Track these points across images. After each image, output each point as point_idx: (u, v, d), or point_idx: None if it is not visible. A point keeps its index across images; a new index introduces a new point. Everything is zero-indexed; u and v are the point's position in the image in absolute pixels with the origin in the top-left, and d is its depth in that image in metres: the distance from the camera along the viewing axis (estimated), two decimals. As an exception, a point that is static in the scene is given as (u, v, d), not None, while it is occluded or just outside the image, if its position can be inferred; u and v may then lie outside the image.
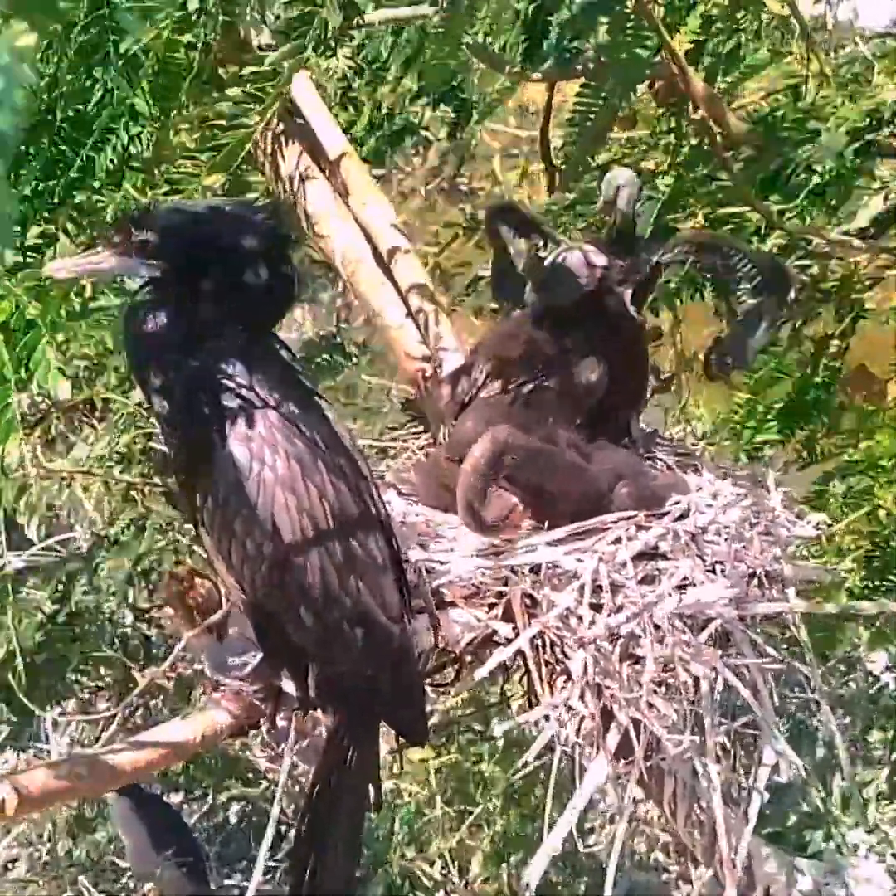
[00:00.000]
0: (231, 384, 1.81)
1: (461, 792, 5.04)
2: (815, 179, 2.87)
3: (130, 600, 4.76)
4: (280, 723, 1.97)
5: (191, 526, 1.88)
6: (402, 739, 2.03)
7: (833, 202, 2.78)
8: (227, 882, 5.54)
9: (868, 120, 2.94)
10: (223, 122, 2.13)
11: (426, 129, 3.77)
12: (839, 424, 3.18)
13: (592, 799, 2.56)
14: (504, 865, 5.13)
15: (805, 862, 3.07)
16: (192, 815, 5.48)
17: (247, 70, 2.17)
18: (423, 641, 2.16)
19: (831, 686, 4.44)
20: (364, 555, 1.84)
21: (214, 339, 1.84)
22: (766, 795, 2.75)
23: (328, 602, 1.82)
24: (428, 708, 1.97)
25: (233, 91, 2.13)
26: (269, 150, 2.91)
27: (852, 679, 4.37)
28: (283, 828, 5.48)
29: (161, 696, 5.05)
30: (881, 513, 2.91)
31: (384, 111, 3.53)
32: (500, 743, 4.68)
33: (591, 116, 2.87)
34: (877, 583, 2.89)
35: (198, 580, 4.64)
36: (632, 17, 2.73)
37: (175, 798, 5.44)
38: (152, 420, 3.56)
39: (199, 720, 1.77)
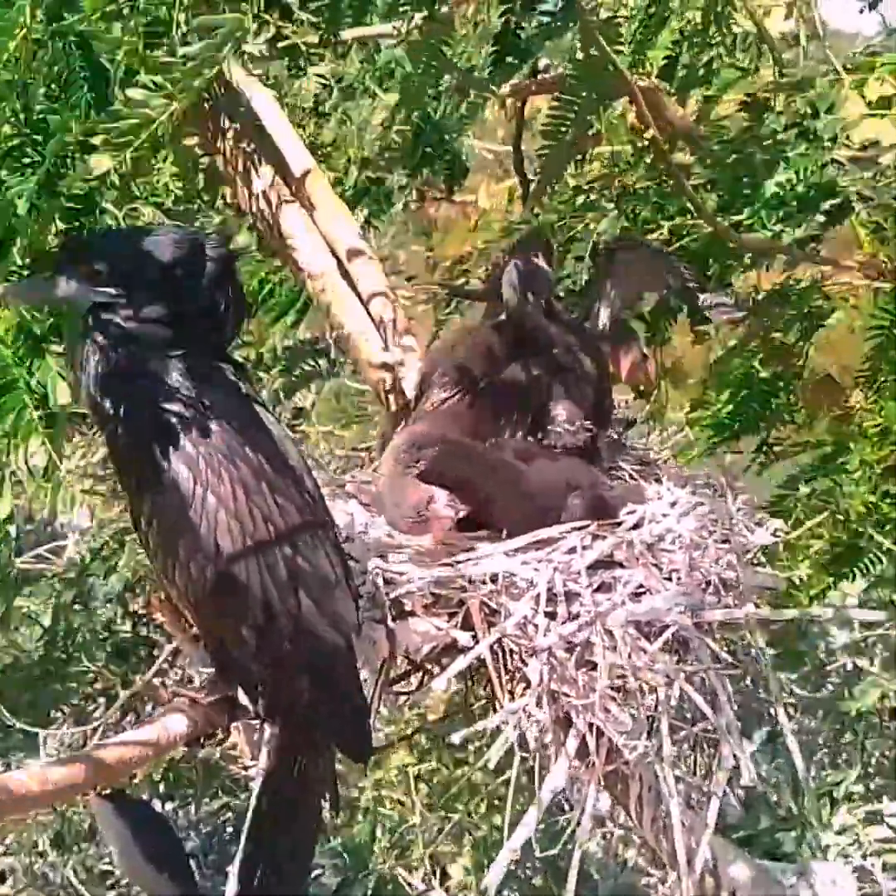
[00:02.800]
0: (176, 408, 1.85)
1: (442, 798, 5.07)
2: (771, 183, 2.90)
3: (127, 607, 4.80)
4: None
5: (140, 546, 1.91)
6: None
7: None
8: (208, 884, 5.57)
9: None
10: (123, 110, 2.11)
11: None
12: (801, 429, 3.21)
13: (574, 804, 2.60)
14: (485, 872, 5.14)
15: (772, 864, 3.11)
16: (180, 821, 5.50)
17: (164, 58, 2.16)
18: (380, 651, 2.20)
19: (806, 689, 4.49)
20: (312, 572, 1.87)
21: (162, 363, 1.87)
22: (730, 799, 2.80)
23: (269, 624, 1.85)
24: (371, 726, 1.99)
25: (143, 77, 2.12)
26: (240, 168, 2.96)
27: (823, 682, 4.42)
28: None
29: (152, 703, 5.09)
30: (851, 510, 2.93)
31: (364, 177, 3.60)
32: (476, 749, 4.70)
33: (563, 131, 2.91)
34: (836, 584, 2.92)
35: None
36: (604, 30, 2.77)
37: (168, 806, 5.47)
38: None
39: (155, 728, 1.81)
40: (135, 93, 2.09)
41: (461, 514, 2.37)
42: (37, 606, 4.91)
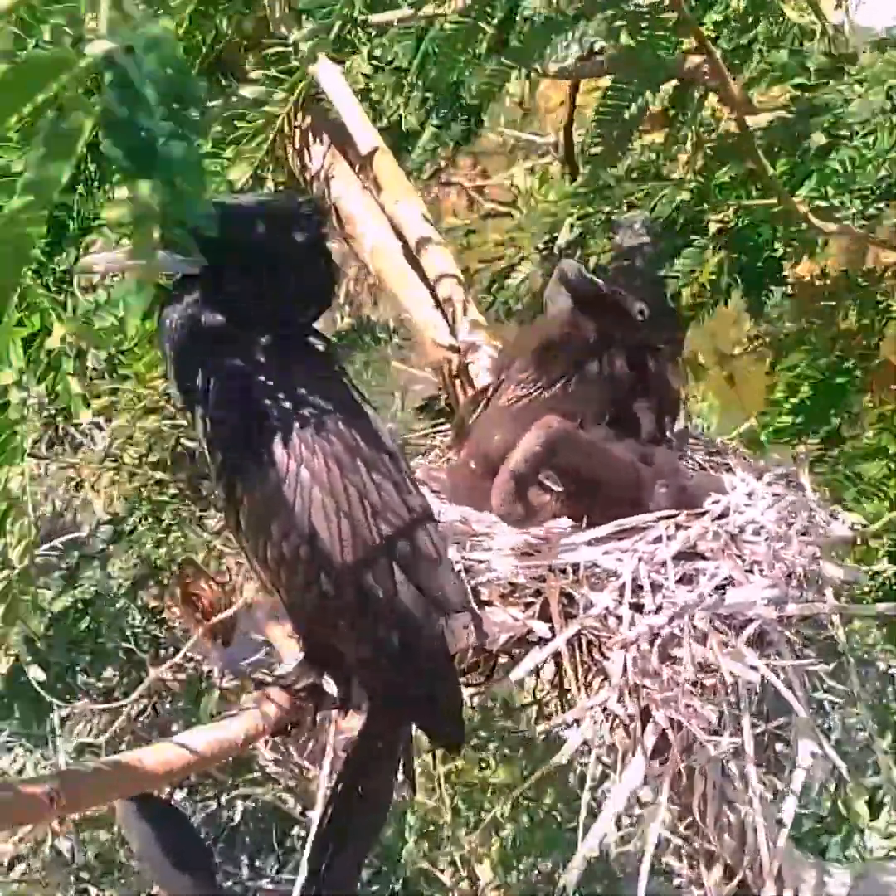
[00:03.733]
0: (268, 384, 1.78)
1: (469, 798, 5.02)
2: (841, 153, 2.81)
3: (139, 601, 4.76)
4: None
5: (228, 530, 1.85)
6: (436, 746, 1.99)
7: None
8: (234, 881, 5.53)
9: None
10: (244, 111, 2.06)
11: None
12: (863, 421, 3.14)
13: (601, 803, 2.54)
14: (514, 872, 5.10)
15: (834, 866, 3.04)
16: (197, 815, 5.46)
17: (270, 51, 2.11)
18: (460, 640, 2.14)
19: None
20: (411, 551, 1.81)
21: (252, 337, 1.81)
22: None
23: (365, 604, 1.79)
24: (464, 714, 1.93)
25: (256, 74, 2.07)
26: (296, 146, 2.89)
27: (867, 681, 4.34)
28: (283, 831, 5.49)
29: (169, 697, 5.05)
30: None
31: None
32: (506, 748, 4.66)
33: (618, 115, 2.84)
34: None
35: (204, 582, 4.65)
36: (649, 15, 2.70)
37: (178, 795, 5.43)
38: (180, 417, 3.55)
39: (243, 719, 1.74)
40: (250, 91, 2.02)
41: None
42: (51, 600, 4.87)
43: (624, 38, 2.73)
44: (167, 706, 5.13)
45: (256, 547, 1.79)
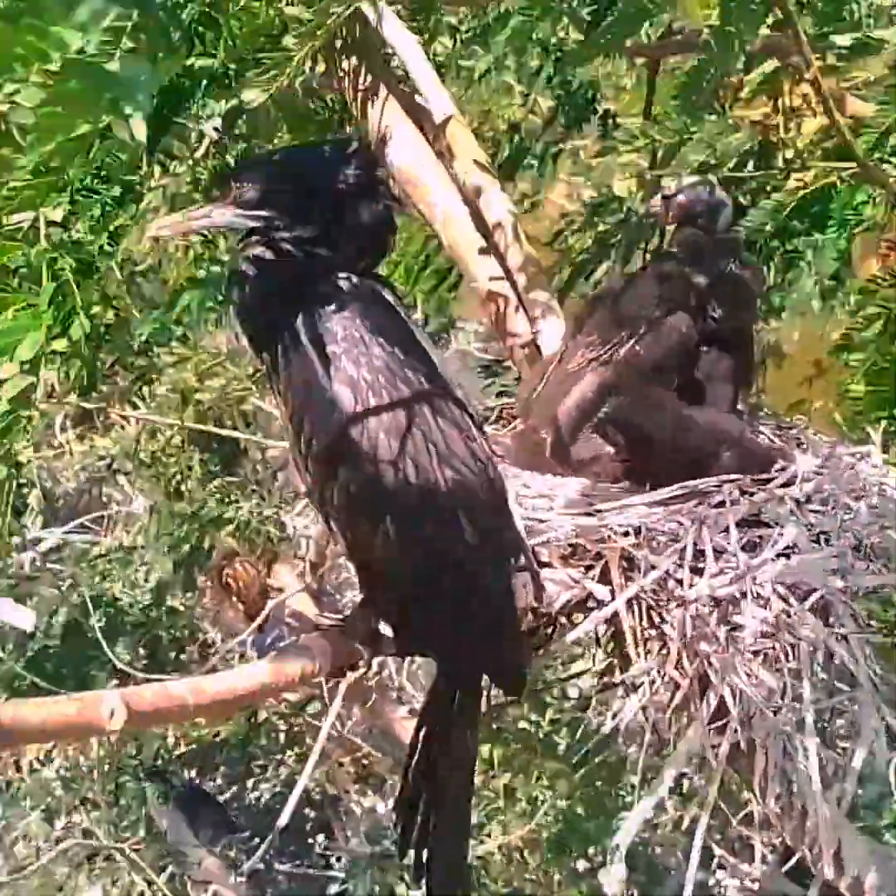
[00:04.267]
0: (336, 330, 1.81)
1: (521, 783, 5.02)
2: None
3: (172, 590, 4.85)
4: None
5: (296, 470, 1.89)
6: (498, 692, 2.00)
7: None
8: (277, 868, 5.57)
9: None
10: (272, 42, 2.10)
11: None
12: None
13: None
14: (567, 853, 5.09)
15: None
16: (224, 797, 5.52)
17: None
18: (522, 599, 2.14)
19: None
20: (476, 498, 1.83)
21: (317, 282, 1.85)
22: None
23: (428, 543, 1.81)
24: (526, 658, 1.94)
25: (291, 10, 2.11)
26: (369, 116, 2.92)
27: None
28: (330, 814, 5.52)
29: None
30: None
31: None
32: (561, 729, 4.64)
33: (699, 88, 2.82)
34: None
35: (239, 564, 4.73)
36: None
37: (209, 784, 5.50)
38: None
39: (300, 658, 1.77)
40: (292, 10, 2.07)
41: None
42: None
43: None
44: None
45: (324, 491, 1.83)
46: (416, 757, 1.90)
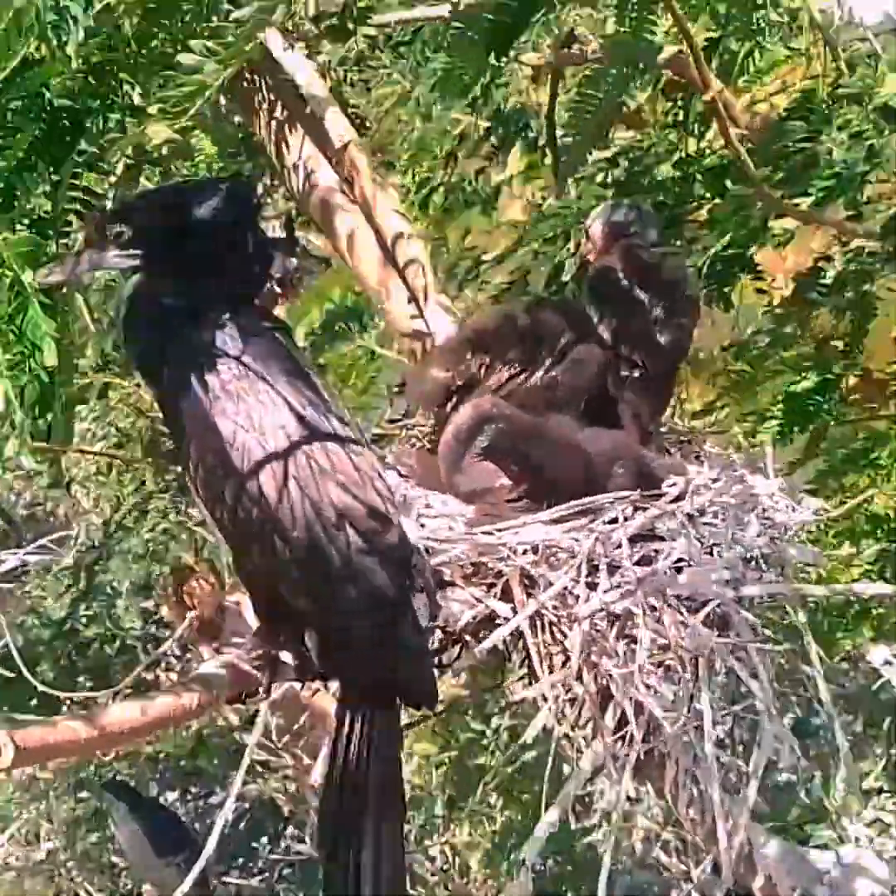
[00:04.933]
0: (219, 360, 1.86)
1: (461, 787, 5.04)
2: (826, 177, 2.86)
3: (140, 602, 4.82)
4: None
5: (193, 497, 1.91)
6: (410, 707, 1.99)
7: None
8: (225, 879, 5.55)
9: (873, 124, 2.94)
10: (177, 76, 2.11)
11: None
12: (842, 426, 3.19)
13: (592, 796, 2.57)
14: (504, 862, 5.12)
15: (807, 851, 3.07)
16: (189, 814, 5.49)
17: (210, 24, 2.16)
18: (423, 619, 2.17)
19: (834, 683, 4.43)
20: (362, 509, 1.85)
21: (199, 316, 1.89)
22: (765, 782, 2.76)
23: (317, 560, 1.82)
24: (434, 669, 1.95)
25: (194, 43, 2.12)
26: (273, 138, 2.96)
27: (854, 675, 4.37)
28: (281, 824, 5.52)
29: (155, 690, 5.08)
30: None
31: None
32: (502, 736, 4.68)
33: (593, 107, 2.89)
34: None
35: (195, 579, 4.70)
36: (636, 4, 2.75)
37: (170, 795, 5.47)
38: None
39: (196, 688, 1.79)
40: (187, 58, 2.09)
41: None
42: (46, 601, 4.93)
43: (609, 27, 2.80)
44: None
45: (213, 512, 1.86)
46: (334, 792, 1.85)
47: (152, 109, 2.18)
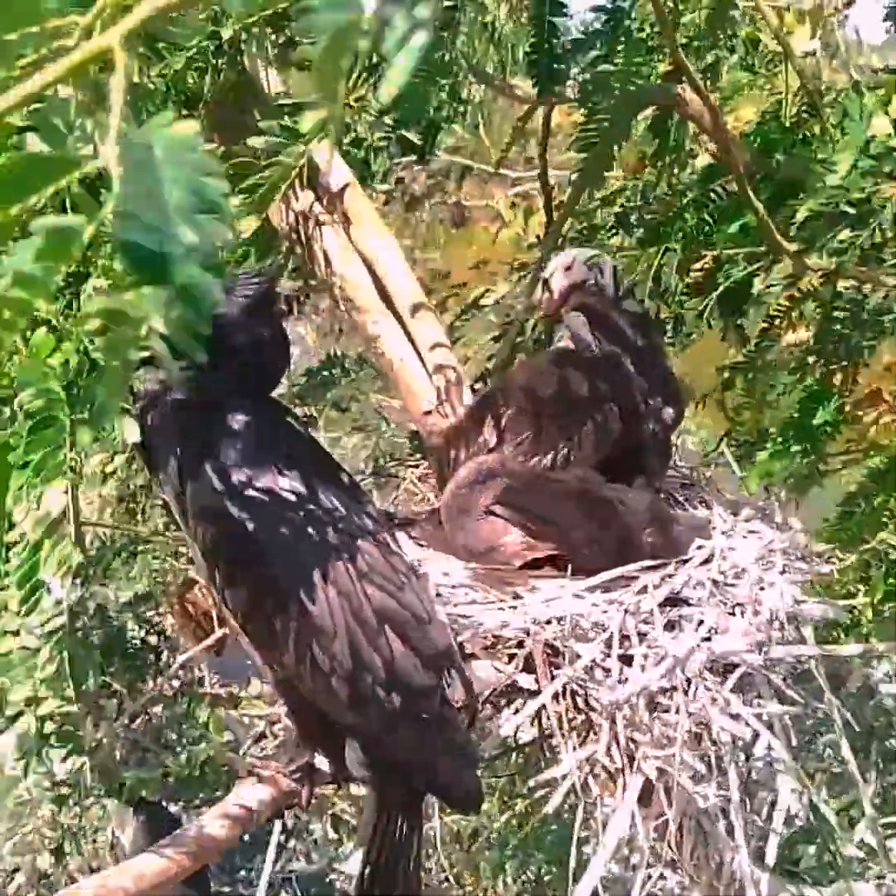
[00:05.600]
0: (239, 459, 1.75)
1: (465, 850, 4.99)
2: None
3: (139, 613, 4.69)
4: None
5: (219, 603, 1.79)
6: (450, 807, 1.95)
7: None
8: (226, 889, 5.47)
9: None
10: (254, 160, 1.99)
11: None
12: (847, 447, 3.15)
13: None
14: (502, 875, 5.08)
15: (810, 890, 3.06)
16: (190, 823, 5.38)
17: (281, 100, 2.04)
18: (455, 696, 2.10)
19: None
20: (401, 611, 1.77)
21: (216, 412, 1.79)
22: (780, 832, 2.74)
23: (359, 670, 1.74)
24: (478, 772, 1.88)
25: (267, 124, 1.99)
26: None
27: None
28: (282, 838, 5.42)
29: (162, 704, 4.96)
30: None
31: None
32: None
33: (594, 143, 2.80)
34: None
35: (198, 591, 4.59)
36: (627, 42, 2.67)
37: (173, 808, 5.35)
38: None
39: (239, 808, 1.68)
40: (258, 141, 1.96)
41: (540, 554, 2.26)
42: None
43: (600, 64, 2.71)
44: (161, 713, 5.06)
45: (244, 623, 1.75)
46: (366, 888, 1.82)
47: (237, 201, 2.04)
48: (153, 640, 4.59)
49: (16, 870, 4.99)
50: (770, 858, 2.57)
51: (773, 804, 2.59)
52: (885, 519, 2.68)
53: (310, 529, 1.73)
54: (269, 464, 1.74)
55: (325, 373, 3.45)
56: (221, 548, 1.72)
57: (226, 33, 2.07)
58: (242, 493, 1.72)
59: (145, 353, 1.71)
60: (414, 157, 3.26)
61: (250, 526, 1.70)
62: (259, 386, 1.86)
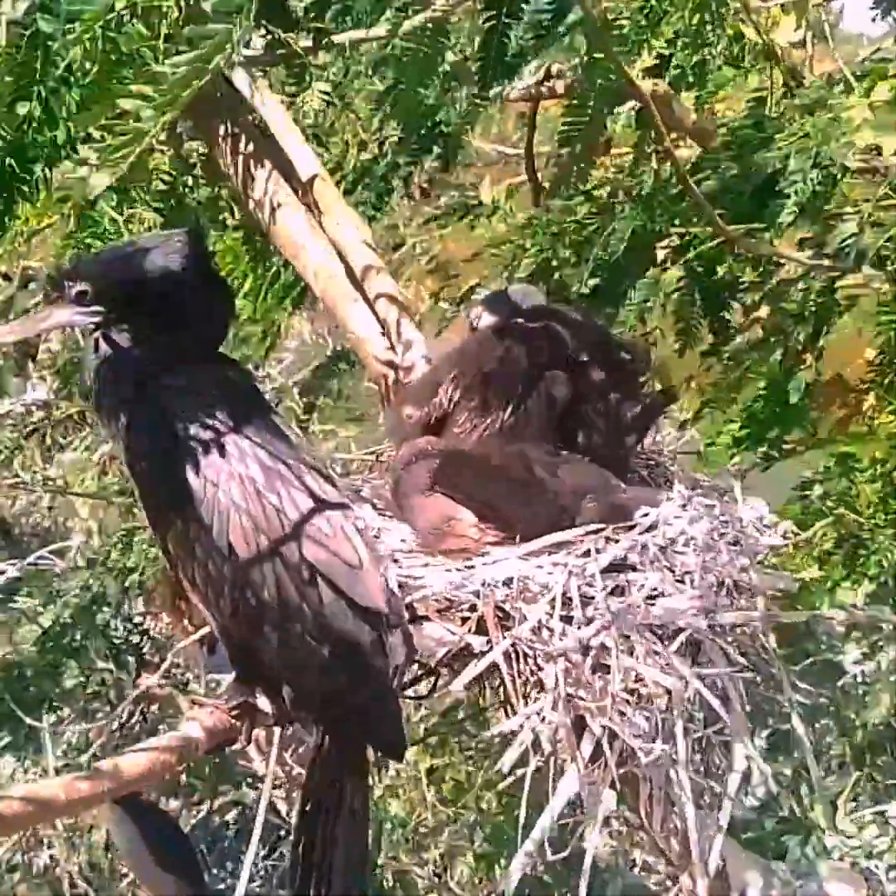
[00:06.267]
0: (183, 412, 1.87)
1: (452, 795, 5.07)
2: (787, 204, 2.89)
3: (124, 612, 4.81)
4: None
5: (162, 552, 1.91)
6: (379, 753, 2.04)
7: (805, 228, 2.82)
8: (222, 887, 5.55)
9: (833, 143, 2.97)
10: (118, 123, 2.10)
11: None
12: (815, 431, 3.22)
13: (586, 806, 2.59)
14: (496, 868, 5.16)
15: (780, 864, 3.11)
16: (189, 820, 5.49)
17: (153, 69, 2.15)
18: (398, 656, 2.19)
19: (807, 692, 4.48)
20: (333, 561, 1.86)
21: (162, 371, 1.91)
22: (742, 801, 2.81)
23: (289, 618, 1.84)
24: (404, 720, 1.98)
25: (135, 87, 2.11)
26: (240, 173, 2.96)
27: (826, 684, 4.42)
28: (282, 832, 5.52)
29: (156, 704, 5.08)
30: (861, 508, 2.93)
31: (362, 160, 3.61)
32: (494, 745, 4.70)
33: (576, 135, 2.92)
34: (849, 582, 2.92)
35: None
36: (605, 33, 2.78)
37: (173, 804, 5.44)
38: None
39: (176, 737, 1.80)
40: (126, 103, 2.08)
41: (488, 539, 2.37)
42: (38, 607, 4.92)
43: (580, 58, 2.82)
44: (155, 712, 5.18)
45: (185, 569, 1.87)
46: (305, 833, 1.90)
47: (92, 158, 2.16)
48: (138, 638, 4.73)
49: (13, 867, 5.12)
50: (723, 820, 2.63)
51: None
52: (835, 502, 2.76)
53: (245, 480, 1.85)
54: (208, 415, 1.86)
55: (333, 368, 3.56)
56: (158, 494, 1.85)
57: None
58: (181, 441, 1.84)
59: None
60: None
61: (185, 473, 1.83)
62: (204, 342, 1.97)
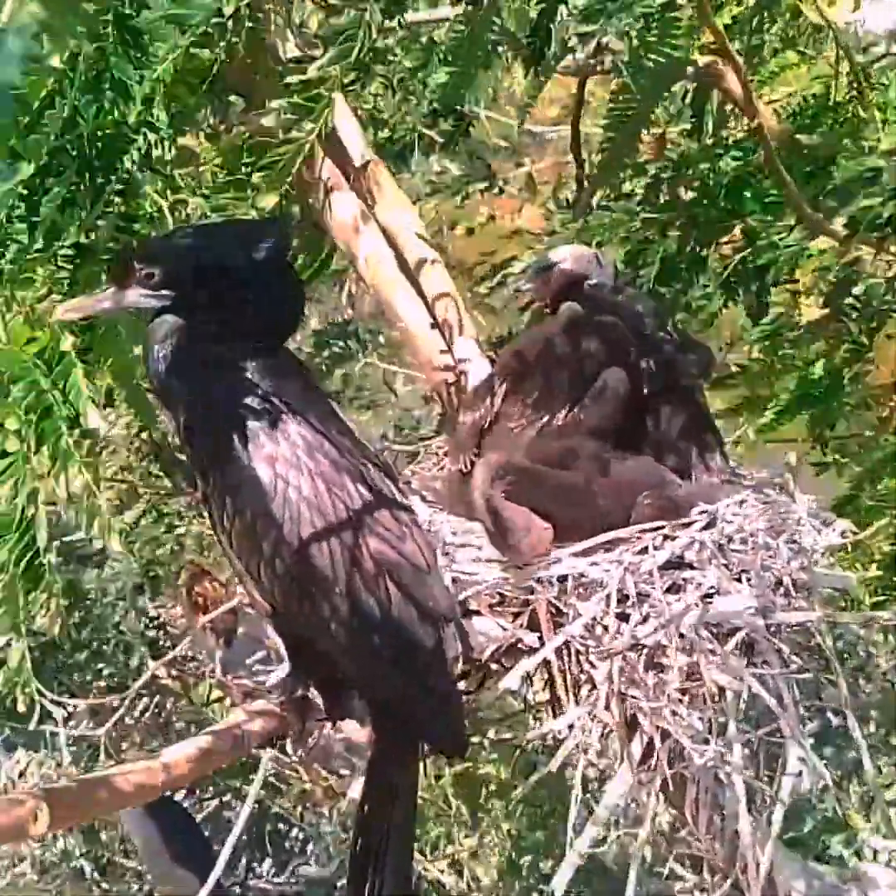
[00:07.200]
0: (251, 404, 1.83)
1: (471, 797, 5.04)
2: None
3: (138, 604, 4.81)
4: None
5: (219, 544, 1.88)
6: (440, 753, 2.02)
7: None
8: (229, 884, 5.54)
9: None
10: (271, 139, 2.07)
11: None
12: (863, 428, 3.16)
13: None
14: (517, 870, 5.13)
15: (825, 868, 3.06)
16: (200, 814, 5.49)
17: (291, 79, 2.12)
18: (451, 650, 2.16)
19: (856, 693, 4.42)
20: (401, 561, 1.84)
21: (231, 360, 1.86)
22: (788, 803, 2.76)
23: (356, 615, 1.81)
24: (464, 720, 1.96)
25: (278, 103, 2.08)
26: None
27: (873, 684, 4.35)
28: (302, 838, 5.52)
29: (171, 697, 5.09)
30: None
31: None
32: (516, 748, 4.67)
33: (625, 118, 2.85)
34: None
35: (207, 581, 4.70)
36: (660, 15, 2.72)
37: (178, 795, 5.45)
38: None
39: (228, 731, 1.77)
40: (270, 120, 2.05)
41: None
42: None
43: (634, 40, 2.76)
44: (169, 705, 5.18)
45: (249, 565, 1.83)
46: (362, 833, 1.90)
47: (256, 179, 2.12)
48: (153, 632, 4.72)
49: (21, 859, 5.13)
50: (776, 826, 2.59)
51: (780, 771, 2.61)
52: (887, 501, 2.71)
53: (314, 477, 1.81)
54: (275, 412, 1.82)
55: (340, 344, 3.48)
56: (228, 488, 1.81)
57: (228, 9, 2.16)
58: (248, 434, 1.80)
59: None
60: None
61: (253, 466, 1.79)
62: (272, 334, 1.92)
